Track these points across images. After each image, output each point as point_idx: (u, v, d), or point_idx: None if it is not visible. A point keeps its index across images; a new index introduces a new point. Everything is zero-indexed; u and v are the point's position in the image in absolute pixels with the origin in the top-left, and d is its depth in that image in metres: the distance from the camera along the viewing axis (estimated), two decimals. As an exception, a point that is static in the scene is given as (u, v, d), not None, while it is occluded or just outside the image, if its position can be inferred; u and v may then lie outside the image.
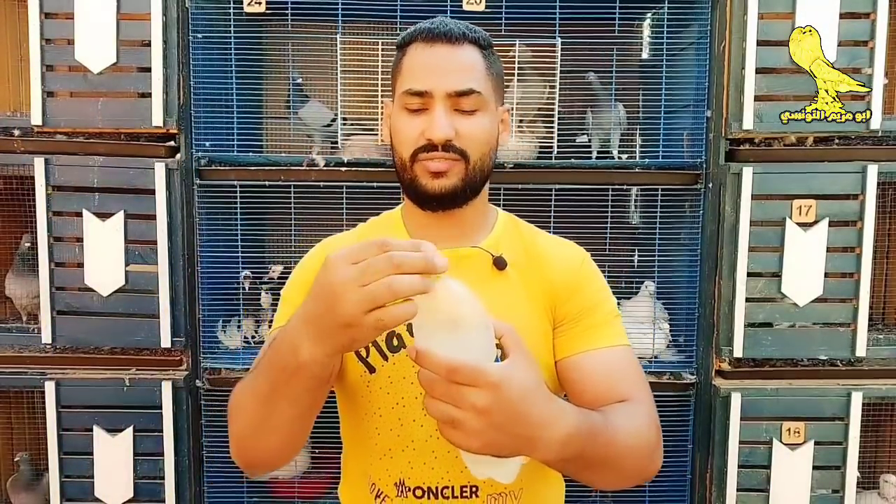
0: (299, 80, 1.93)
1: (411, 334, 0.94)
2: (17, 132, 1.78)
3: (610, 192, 1.83)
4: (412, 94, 0.95)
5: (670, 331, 1.90)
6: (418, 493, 0.95)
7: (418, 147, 0.94)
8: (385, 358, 0.96)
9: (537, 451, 0.70)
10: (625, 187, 1.84)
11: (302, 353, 0.72)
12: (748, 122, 1.71)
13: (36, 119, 1.74)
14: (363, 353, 0.97)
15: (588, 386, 0.96)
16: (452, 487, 0.95)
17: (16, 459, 1.89)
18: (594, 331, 0.99)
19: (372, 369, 0.96)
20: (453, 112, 0.95)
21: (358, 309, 0.65)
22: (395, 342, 0.96)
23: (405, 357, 0.95)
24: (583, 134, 1.95)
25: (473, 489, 0.95)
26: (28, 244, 1.89)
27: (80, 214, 1.74)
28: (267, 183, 1.80)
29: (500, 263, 1.00)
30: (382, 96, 1.78)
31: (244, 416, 0.84)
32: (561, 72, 1.79)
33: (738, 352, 1.74)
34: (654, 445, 0.91)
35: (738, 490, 1.73)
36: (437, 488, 0.95)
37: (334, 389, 1.05)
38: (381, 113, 1.76)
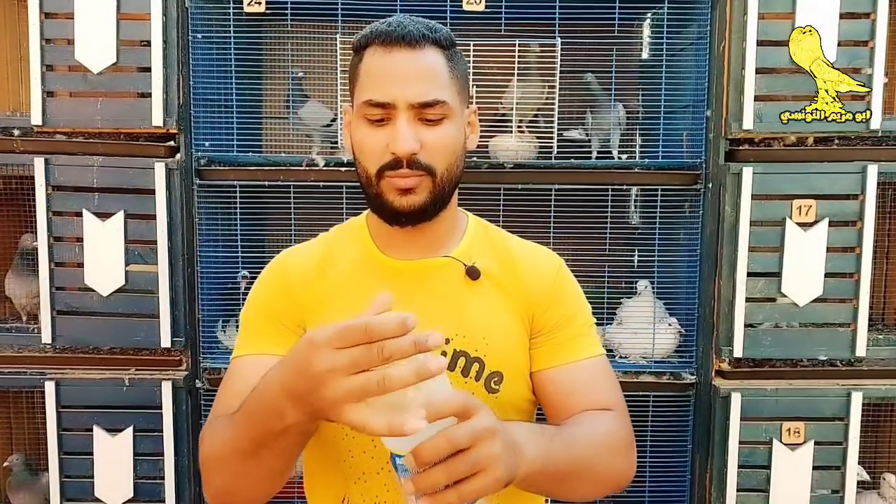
0: (300, 74, 1.92)
1: None
2: (17, 132, 1.78)
3: (610, 192, 1.82)
4: (373, 104, 0.89)
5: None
6: None
7: (384, 164, 0.90)
8: None
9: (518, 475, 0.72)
10: (624, 187, 1.84)
11: (287, 418, 0.69)
12: (748, 123, 1.71)
13: (36, 119, 1.74)
14: None
15: (562, 398, 0.97)
16: None
17: (5, 464, 1.88)
18: (570, 343, 0.98)
19: None
20: (417, 122, 0.89)
21: (346, 397, 0.63)
22: None
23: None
24: (575, 128, 1.95)
25: None
26: (29, 243, 1.89)
27: (80, 214, 1.74)
28: (266, 183, 1.80)
29: (473, 273, 0.97)
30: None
31: (226, 471, 0.82)
32: (561, 72, 1.79)
33: (738, 352, 1.74)
34: (622, 450, 0.92)
35: (738, 490, 1.73)
36: None
37: None
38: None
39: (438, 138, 0.90)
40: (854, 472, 1.73)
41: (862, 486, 1.80)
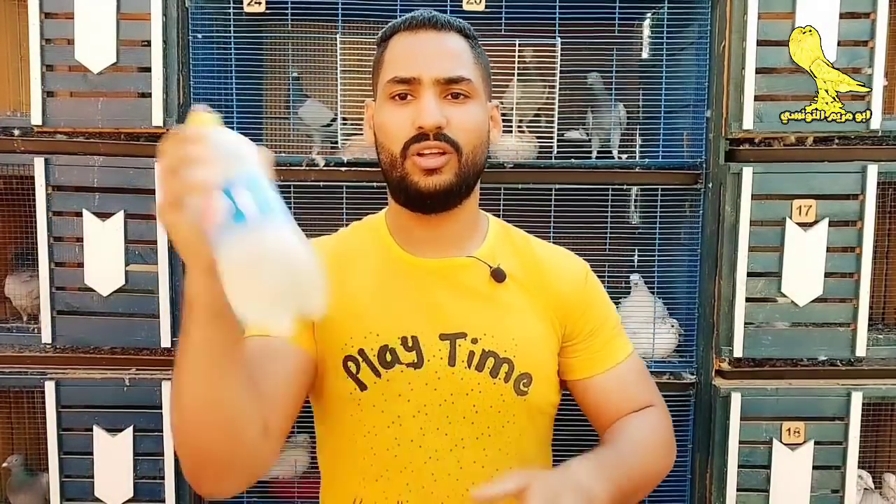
0: (295, 75, 1.92)
1: (406, 348, 0.92)
2: (17, 132, 1.78)
3: (610, 192, 1.82)
4: (398, 81, 0.89)
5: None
6: None
7: (409, 138, 0.88)
8: (378, 374, 0.92)
9: None
10: (625, 187, 1.84)
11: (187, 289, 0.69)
12: (748, 122, 1.71)
13: (36, 119, 1.74)
14: (353, 370, 0.92)
15: (606, 404, 1.00)
16: None
17: (4, 465, 1.88)
18: (606, 349, 1.00)
19: (363, 386, 0.92)
20: (443, 100, 0.89)
21: (163, 199, 0.68)
22: (389, 357, 0.92)
23: (399, 373, 0.91)
24: (575, 129, 1.95)
25: None
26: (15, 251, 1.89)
27: (80, 214, 1.74)
28: (267, 183, 1.80)
29: (498, 276, 0.96)
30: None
31: (186, 428, 0.74)
32: (561, 72, 1.79)
33: (738, 352, 1.74)
34: (669, 446, 0.97)
35: (738, 490, 1.73)
36: None
37: (313, 412, 1.00)
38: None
39: (464, 115, 0.90)
40: (854, 471, 1.73)
41: (866, 489, 1.80)
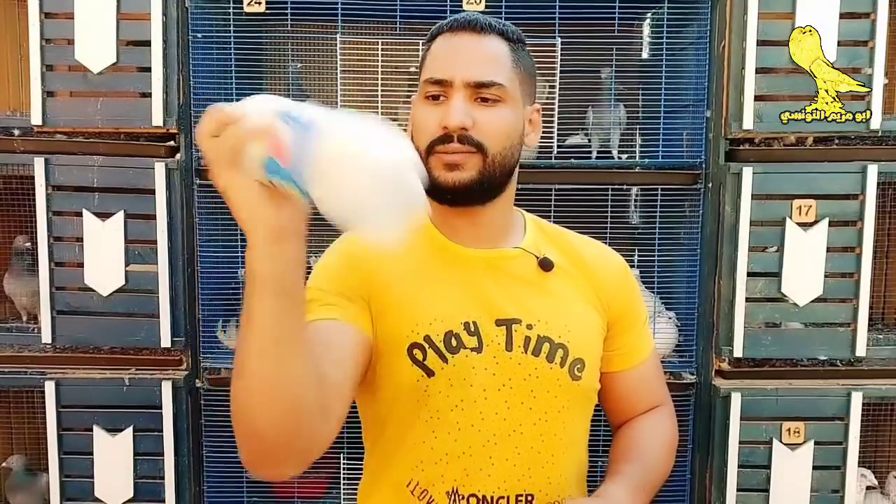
0: (298, 66, 1.92)
1: (469, 332, 0.93)
2: (17, 132, 1.78)
3: (610, 192, 1.82)
4: (432, 82, 0.92)
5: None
6: (472, 501, 0.92)
7: (435, 138, 0.91)
8: (445, 360, 0.92)
9: None
10: (625, 187, 1.84)
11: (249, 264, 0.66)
12: (748, 122, 1.71)
13: (36, 119, 1.74)
14: (419, 356, 0.92)
15: (627, 401, 1.06)
16: (508, 497, 0.92)
17: (3, 465, 1.88)
18: (637, 344, 1.05)
19: (430, 373, 0.92)
20: (473, 102, 0.91)
21: (212, 159, 0.64)
22: (454, 343, 0.93)
23: (464, 358, 0.93)
24: (576, 134, 1.95)
25: (529, 498, 0.93)
26: (21, 243, 1.89)
27: (80, 214, 1.74)
28: (267, 183, 1.80)
29: (546, 265, 0.98)
30: (382, 96, 1.78)
31: (235, 377, 0.71)
32: (561, 72, 1.79)
33: (738, 352, 1.74)
34: (675, 446, 1.06)
35: (738, 490, 1.73)
36: (492, 497, 0.92)
37: (358, 403, 0.99)
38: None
39: (492, 118, 0.91)
40: (854, 471, 1.73)
41: (868, 487, 1.80)
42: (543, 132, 1.83)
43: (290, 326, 0.67)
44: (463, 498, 0.92)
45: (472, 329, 0.93)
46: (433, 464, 0.93)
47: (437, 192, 0.93)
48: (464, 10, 1.72)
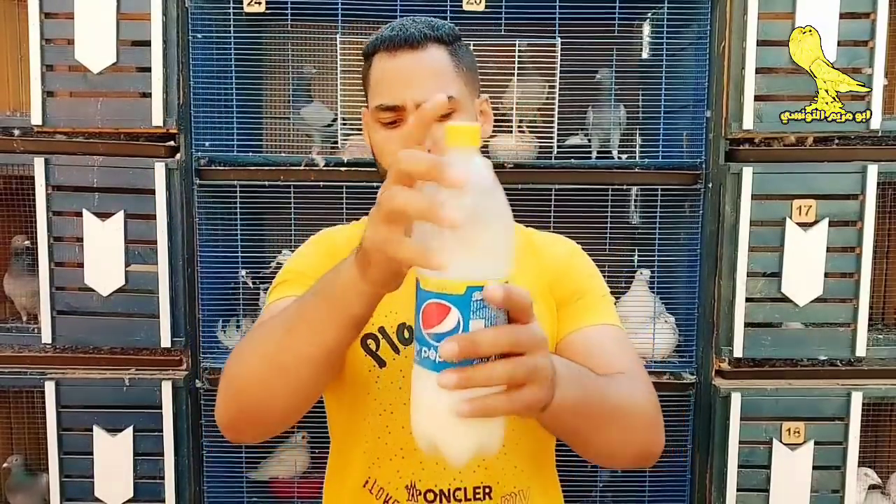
0: (313, 72, 1.92)
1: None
2: (17, 132, 1.78)
3: (610, 192, 1.82)
4: (384, 109, 0.93)
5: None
6: (430, 496, 0.92)
7: None
8: (396, 351, 0.93)
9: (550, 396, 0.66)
10: (625, 187, 1.84)
11: (342, 276, 0.67)
12: (748, 123, 1.71)
13: (36, 119, 1.74)
14: (372, 346, 0.94)
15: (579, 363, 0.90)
16: (465, 489, 0.92)
17: (4, 465, 1.88)
18: (584, 311, 0.98)
19: (382, 363, 0.93)
20: None
21: (380, 218, 0.58)
22: (407, 334, 0.93)
23: None
24: (576, 134, 1.95)
25: (487, 490, 0.92)
26: (20, 243, 1.89)
27: (80, 214, 1.74)
28: (267, 183, 1.80)
29: None
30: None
31: (251, 355, 0.77)
32: (561, 72, 1.79)
33: (738, 352, 1.74)
34: (653, 415, 0.86)
35: (738, 490, 1.73)
36: (449, 490, 0.92)
37: (325, 400, 1.01)
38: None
39: None
40: (854, 471, 1.73)
41: (871, 486, 1.80)
42: (544, 132, 1.85)
43: (339, 347, 0.73)
44: (420, 493, 0.92)
45: None
46: (388, 460, 0.93)
47: None
48: (464, 10, 1.72)
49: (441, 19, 0.98)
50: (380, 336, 0.94)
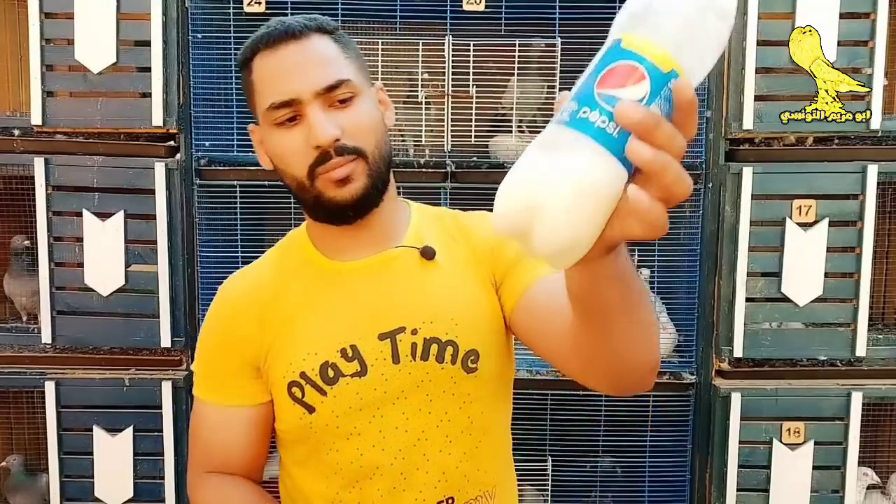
0: None
1: (346, 359, 0.90)
2: (17, 132, 1.78)
3: (610, 192, 1.82)
4: (277, 106, 0.86)
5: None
6: None
7: (312, 161, 0.85)
8: (323, 393, 0.90)
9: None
10: (625, 187, 1.83)
11: None
12: (748, 122, 1.71)
13: (36, 119, 1.74)
14: (298, 395, 0.91)
15: (551, 313, 0.82)
16: None
17: (4, 465, 1.88)
18: (532, 267, 0.90)
19: (311, 409, 0.90)
20: (329, 109, 0.86)
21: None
22: (331, 373, 0.90)
23: (346, 386, 0.90)
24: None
25: (450, 501, 0.91)
26: (19, 243, 1.89)
27: (80, 214, 1.74)
28: (267, 183, 1.80)
29: (427, 253, 0.94)
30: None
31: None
32: (561, 72, 1.79)
33: (737, 352, 1.74)
34: (657, 342, 0.78)
35: (738, 490, 1.73)
36: None
37: (276, 440, 1.01)
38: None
39: (355, 117, 0.87)
40: (854, 471, 1.73)
41: (870, 486, 1.80)
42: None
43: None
44: None
45: (351, 354, 0.91)
46: (347, 492, 0.91)
47: (334, 212, 0.89)
48: (464, 10, 1.72)
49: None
50: (303, 382, 0.91)
